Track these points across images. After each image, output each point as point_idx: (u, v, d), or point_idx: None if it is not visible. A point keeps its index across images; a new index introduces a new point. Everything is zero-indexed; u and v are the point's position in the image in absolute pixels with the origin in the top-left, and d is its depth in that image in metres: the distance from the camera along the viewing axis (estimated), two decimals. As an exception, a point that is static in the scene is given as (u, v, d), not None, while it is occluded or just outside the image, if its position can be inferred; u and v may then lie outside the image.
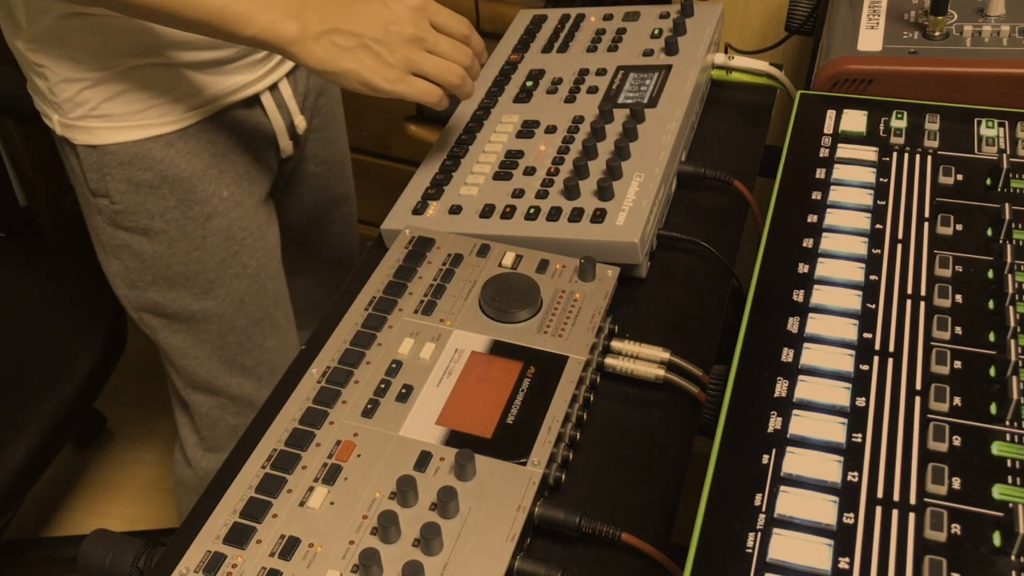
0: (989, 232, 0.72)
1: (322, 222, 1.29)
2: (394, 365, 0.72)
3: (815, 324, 0.66)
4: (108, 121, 0.96)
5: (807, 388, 0.61)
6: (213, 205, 1.02)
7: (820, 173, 0.79)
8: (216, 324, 1.08)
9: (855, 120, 0.85)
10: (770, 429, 0.59)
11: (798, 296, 0.68)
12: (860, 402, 0.60)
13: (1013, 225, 0.71)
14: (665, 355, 0.75)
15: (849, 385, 0.61)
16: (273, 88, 1.06)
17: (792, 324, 0.66)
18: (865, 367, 0.62)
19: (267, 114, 1.07)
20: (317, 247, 1.31)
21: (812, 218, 0.75)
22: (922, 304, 0.67)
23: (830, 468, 0.56)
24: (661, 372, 0.74)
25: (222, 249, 1.04)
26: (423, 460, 0.65)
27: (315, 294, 1.38)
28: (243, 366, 1.12)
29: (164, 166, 0.98)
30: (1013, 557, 0.51)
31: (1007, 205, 0.72)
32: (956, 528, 0.53)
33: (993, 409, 0.59)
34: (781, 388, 0.61)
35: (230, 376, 1.12)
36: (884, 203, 0.75)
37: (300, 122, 1.12)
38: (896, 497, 0.55)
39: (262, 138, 1.08)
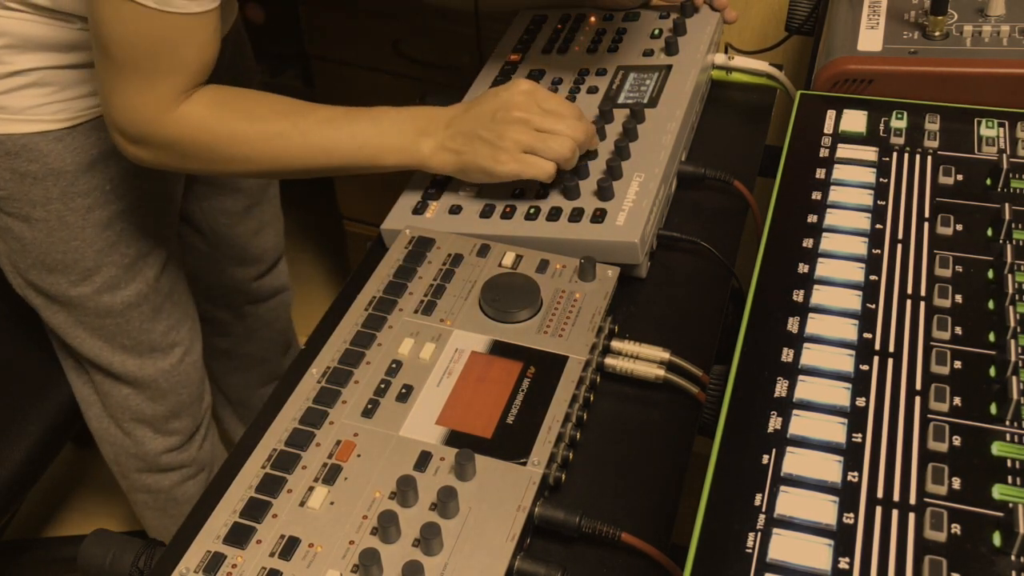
0: (989, 232, 0.72)
1: (255, 208, 1.31)
2: (394, 365, 0.72)
3: (815, 324, 0.65)
4: (1, 112, 0.96)
5: (807, 388, 0.61)
6: (95, 198, 1.03)
7: (820, 173, 0.79)
8: (93, 308, 1.10)
9: (855, 120, 0.85)
10: (770, 429, 0.59)
11: (798, 296, 0.68)
12: (860, 402, 0.60)
13: (1013, 225, 0.71)
14: (665, 355, 0.75)
15: (849, 385, 0.61)
16: None
17: (792, 324, 0.66)
18: (865, 367, 0.62)
19: None
20: (253, 237, 1.34)
21: (812, 218, 0.75)
22: (922, 304, 0.67)
23: (830, 468, 0.56)
24: (661, 372, 0.74)
25: (100, 239, 1.06)
26: (423, 460, 0.65)
27: (252, 287, 1.41)
28: (123, 345, 1.15)
29: (50, 159, 0.99)
30: (1013, 557, 0.51)
31: (1007, 205, 0.72)
32: (956, 528, 0.53)
33: (993, 409, 0.59)
34: (781, 388, 0.61)
35: (112, 354, 1.15)
36: (884, 203, 0.75)
37: None
38: (896, 497, 0.55)
39: None
